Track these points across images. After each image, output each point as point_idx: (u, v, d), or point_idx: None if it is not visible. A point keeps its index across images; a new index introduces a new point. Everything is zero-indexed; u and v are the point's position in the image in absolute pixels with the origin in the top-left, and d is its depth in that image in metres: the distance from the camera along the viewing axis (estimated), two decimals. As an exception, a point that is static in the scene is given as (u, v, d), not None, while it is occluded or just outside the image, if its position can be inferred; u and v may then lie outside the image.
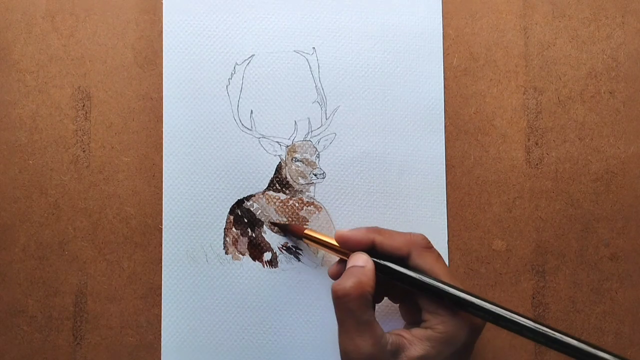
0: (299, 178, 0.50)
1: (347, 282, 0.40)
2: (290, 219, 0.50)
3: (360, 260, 0.41)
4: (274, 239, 0.50)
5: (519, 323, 0.39)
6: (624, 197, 0.50)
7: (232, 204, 0.50)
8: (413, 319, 0.43)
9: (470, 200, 0.50)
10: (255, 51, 0.51)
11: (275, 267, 0.50)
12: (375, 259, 0.42)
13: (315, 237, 0.46)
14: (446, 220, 0.50)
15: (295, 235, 0.49)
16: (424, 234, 0.43)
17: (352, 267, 0.41)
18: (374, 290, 0.40)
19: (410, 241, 0.42)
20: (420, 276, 0.41)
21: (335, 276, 0.44)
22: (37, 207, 0.50)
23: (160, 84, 0.50)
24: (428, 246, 0.42)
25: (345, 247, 0.43)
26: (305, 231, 0.47)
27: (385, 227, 0.48)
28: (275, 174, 0.50)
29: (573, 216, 0.50)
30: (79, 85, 0.51)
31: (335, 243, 0.44)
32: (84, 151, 0.50)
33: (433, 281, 0.41)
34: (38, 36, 0.51)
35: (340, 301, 0.40)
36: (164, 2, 0.51)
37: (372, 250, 0.42)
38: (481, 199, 0.50)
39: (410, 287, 0.42)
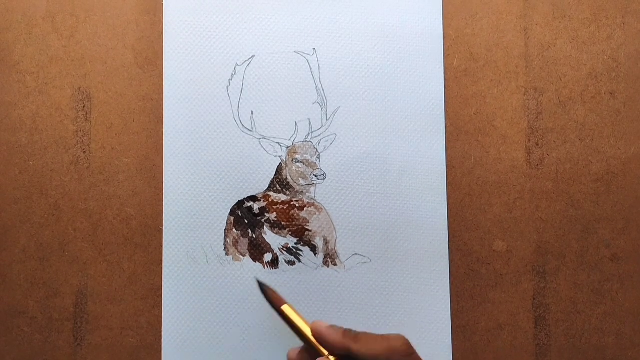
0: (300, 179, 0.50)
1: None
2: (290, 221, 0.50)
3: None
4: (274, 240, 0.50)
5: None
6: (625, 198, 0.50)
7: (233, 205, 0.50)
8: None
9: (471, 201, 0.50)
10: (255, 52, 0.51)
11: (275, 268, 0.50)
12: None
13: (290, 319, 0.42)
14: (447, 221, 0.50)
15: (271, 305, 0.43)
16: (403, 336, 0.39)
17: None
18: None
19: (389, 349, 0.38)
20: None
21: (295, 358, 0.42)
22: (37, 208, 0.50)
23: (161, 85, 0.50)
24: (408, 353, 0.38)
25: (320, 343, 0.40)
26: (283, 307, 0.43)
27: (386, 228, 0.49)
28: (275, 175, 0.50)
29: (574, 217, 0.50)
30: (80, 86, 0.51)
31: (308, 332, 0.41)
32: (84, 152, 0.50)
33: None
34: (38, 37, 0.51)
35: None
36: (164, 2, 0.51)
37: (347, 355, 0.39)
38: (482, 200, 0.50)
39: None
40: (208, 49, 0.50)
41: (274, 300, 0.43)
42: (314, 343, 0.40)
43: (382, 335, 0.39)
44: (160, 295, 0.49)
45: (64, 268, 0.50)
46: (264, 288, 0.44)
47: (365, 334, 0.40)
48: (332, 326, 0.41)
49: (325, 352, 0.40)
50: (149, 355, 0.49)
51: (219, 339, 0.49)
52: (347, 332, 0.40)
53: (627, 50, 0.51)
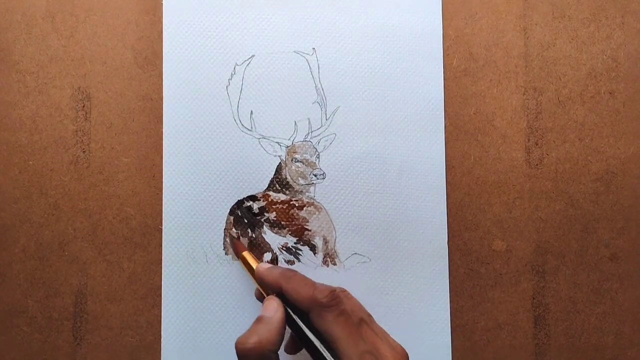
0: (299, 178, 0.50)
1: (249, 340, 0.39)
2: (290, 220, 0.50)
3: (270, 309, 0.41)
4: (274, 240, 0.50)
5: None
6: (624, 198, 0.50)
7: (232, 204, 0.50)
8: None
9: (470, 201, 0.50)
10: (255, 52, 0.51)
11: (275, 268, 0.50)
12: (286, 307, 0.41)
13: (248, 263, 0.46)
14: (446, 220, 0.50)
15: (235, 252, 0.49)
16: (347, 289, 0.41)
17: (260, 317, 0.40)
18: (279, 344, 0.39)
19: (311, 298, 0.40)
20: (310, 336, 0.40)
21: (258, 297, 0.46)
22: (37, 208, 0.50)
23: (160, 85, 0.50)
24: (329, 304, 0.39)
25: (262, 285, 0.44)
26: (243, 252, 0.47)
27: (386, 228, 0.48)
28: (275, 174, 0.50)
29: (573, 216, 0.50)
30: (79, 85, 0.51)
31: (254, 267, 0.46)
32: (84, 152, 0.50)
33: (317, 345, 0.39)
34: (38, 37, 0.51)
35: (242, 359, 0.39)
36: (164, 2, 0.51)
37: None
38: (481, 200, 0.50)
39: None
40: (208, 49, 0.51)
41: (236, 248, 0.48)
42: (257, 284, 0.45)
43: (312, 283, 0.42)
44: (160, 295, 0.49)
45: (63, 267, 0.50)
46: (232, 238, 0.49)
47: (299, 277, 0.42)
48: (271, 267, 0.44)
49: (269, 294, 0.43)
50: (149, 354, 0.49)
51: (219, 339, 0.49)
52: (284, 273, 0.43)
53: (626, 50, 0.51)
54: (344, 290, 0.41)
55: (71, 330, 0.49)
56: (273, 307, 0.41)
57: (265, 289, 0.44)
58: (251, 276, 0.46)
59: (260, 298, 0.45)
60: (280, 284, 0.42)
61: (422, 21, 0.51)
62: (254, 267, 0.46)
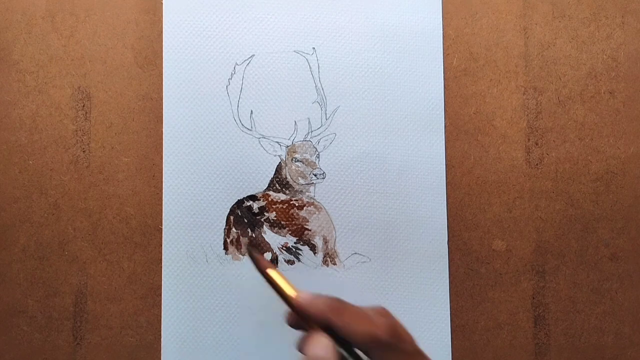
0: (299, 178, 0.50)
1: None
2: (290, 220, 0.50)
3: (321, 349, 0.36)
4: (274, 240, 0.50)
5: None
6: (624, 197, 0.50)
7: (232, 204, 0.50)
8: None
9: (470, 201, 0.50)
10: (255, 51, 0.51)
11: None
12: (338, 346, 0.36)
13: (275, 282, 0.39)
14: (446, 220, 0.50)
15: (257, 268, 0.40)
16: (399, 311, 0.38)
17: (311, 357, 0.36)
18: None
19: (370, 335, 0.35)
20: None
21: (293, 324, 0.39)
22: (37, 207, 0.50)
23: (160, 84, 0.50)
24: (391, 342, 0.35)
25: (303, 316, 0.38)
26: (268, 270, 0.40)
27: (386, 227, 0.48)
28: (275, 174, 0.50)
29: (573, 216, 0.50)
30: (79, 85, 0.51)
31: (291, 299, 0.38)
32: (83, 151, 0.50)
33: None
34: (38, 36, 0.51)
35: None
36: (164, 2, 0.51)
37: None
38: (481, 199, 0.50)
39: None
40: (208, 49, 0.51)
41: (258, 264, 0.40)
42: (297, 314, 0.38)
43: (367, 315, 0.37)
44: (160, 295, 0.49)
45: (63, 267, 0.50)
46: (252, 253, 0.41)
47: (350, 309, 0.37)
48: (313, 296, 0.38)
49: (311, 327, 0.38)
50: (149, 354, 0.49)
51: (218, 338, 0.49)
52: (332, 305, 0.37)
53: (626, 49, 0.51)
54: (387, 313, 0.37)
55: (71, 330, 0.49)
56: (324, 348, 0.36)
57: (305, 318, 0.38)
58: (278, 295, 0.39)
59: (294, 325, 0.39)
60: (330, 320, 0.36)
61: (422, 21, 0.51)
62: (288, 293, 0.38)
